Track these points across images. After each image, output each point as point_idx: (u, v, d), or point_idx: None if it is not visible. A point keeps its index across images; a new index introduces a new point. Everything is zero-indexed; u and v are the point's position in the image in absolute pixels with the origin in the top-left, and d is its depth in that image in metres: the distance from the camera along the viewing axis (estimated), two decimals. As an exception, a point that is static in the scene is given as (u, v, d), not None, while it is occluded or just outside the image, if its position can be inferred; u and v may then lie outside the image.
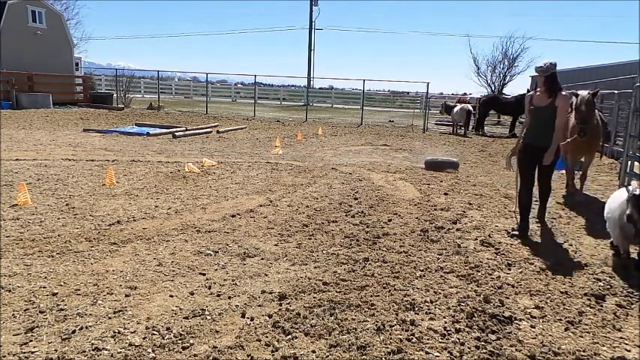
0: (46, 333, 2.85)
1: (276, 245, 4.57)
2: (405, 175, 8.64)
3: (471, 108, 18.23)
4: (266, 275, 3.84)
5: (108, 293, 3.40)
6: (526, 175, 5.13)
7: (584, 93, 6.17)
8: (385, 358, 2.71)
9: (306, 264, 4.12)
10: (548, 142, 4.88)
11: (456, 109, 18.12)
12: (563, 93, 4.90)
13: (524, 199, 5.13)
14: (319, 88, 44.55)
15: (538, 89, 5.11)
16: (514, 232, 5.11)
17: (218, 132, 14.84)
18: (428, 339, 2.92)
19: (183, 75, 47.93)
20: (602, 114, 7.36)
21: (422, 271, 4.01)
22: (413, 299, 3.44)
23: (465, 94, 30.02)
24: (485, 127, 19.37)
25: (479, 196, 6.94)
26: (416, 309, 3.30)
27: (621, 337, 3.04)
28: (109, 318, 3.05)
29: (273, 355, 2.72)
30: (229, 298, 3.41)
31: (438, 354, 2.77)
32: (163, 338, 2.83)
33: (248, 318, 3.11)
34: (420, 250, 4.55)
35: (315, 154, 11.03)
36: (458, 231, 5.22)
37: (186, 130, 14.31)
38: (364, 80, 23.08)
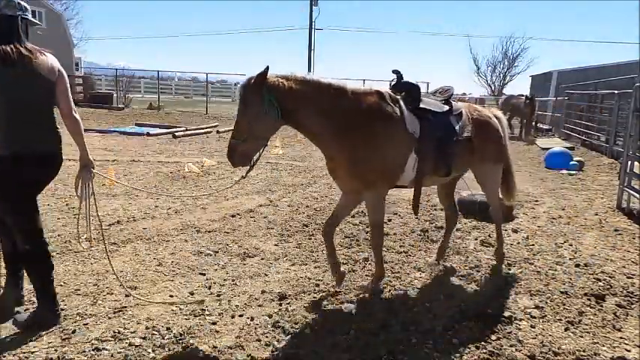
0: (46, 333, 2.85)
1: (276, 245, 4.57)
2: (405, 175, 8.63)
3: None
4: (266, 275, 3.84)
5: (108, 293, 3.40)
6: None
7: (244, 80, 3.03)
8: (385, 358, 2.71)
9: (306, 264, 4.12)
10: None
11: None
12: None
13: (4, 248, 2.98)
14: (319, 88, 44.42)
15: None
16: None
17: (218, 132, 14.83)
18: (428, 339, 2.91)
19: (183, 75, 47.91)
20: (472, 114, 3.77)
21: (422, 271, 4.01)
22: (413, 299, 3.44)
23: (464, 94, 30.04)
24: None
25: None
26: (416, 309, 3.30)
27: (621, 337, 3.04)
28: (109, 318, 3.05)
29: (273, 355, 2.72)
30: (229, 298, 3.41)
31: (438, 354, 2.77)
32: (163, 338, 2.84)
33: (248, 318, 3.11)
34: (420, 250, 4.55)
35: (315, 154, 11.02)
36: (458, 231, 5.21)
37: (186, 130, 14.31)
38: (364, 80, 23.08)
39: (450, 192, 4.27)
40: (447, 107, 3.60)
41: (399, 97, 3.42)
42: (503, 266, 4.16)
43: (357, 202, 3.66)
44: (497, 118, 4.02)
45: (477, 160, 3.77)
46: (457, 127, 3.55)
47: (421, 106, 3.45)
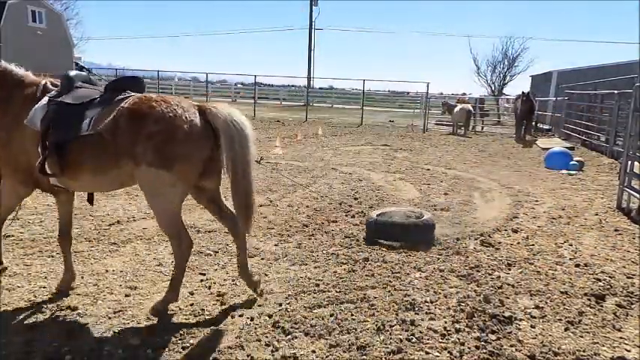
0: (46, 333, 2.85)
1: (276, 245, 4.57)
2: (405, 175, 8.64)
3: (470, 108, 18.29)
4: (266, 275, 3.84)
5: (108, 293, 3.40)
6: None
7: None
8: (385, 358, 2.71)
9: (306, 264, 4.12)
10: None
11: (456, 109, 18.16)
12: None
13: None
14: (319, 88, 44.54)
15: None
16: None
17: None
18: (428, 339, 2.92)
19: (183, 75, 47.93)
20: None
21: (422, 271, 4.01)
22: (413, 299, 3.44)
23: (464, 94, 30.06)
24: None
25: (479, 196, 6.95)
26: (416, 309, 3.30)
27: (621, 337, 3.04)
28: (109, 318, 3.05)
29: (273, 355, 2.72)
30: (229, 298, 3.41)
31: (437, 354, 2.77)
32: (163, 338, 2.84)
33: (248, 318, 3.11)
34: (420, 250, 4.55)
35: (315, 154, 11.03)
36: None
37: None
38: (364, 80, 23.14)
39: (212, 197, 3.35)
40: (93, 97, 3.10)
41: (54, 88, 3.21)
42: (503, 266, 4.17)
43: (68, 196, 3.46)
44: (202, 111, 2.95)
45: (133, 164, 2.89)
46: (86, 121, 2.94)
47: (61, 98, 3.08)
